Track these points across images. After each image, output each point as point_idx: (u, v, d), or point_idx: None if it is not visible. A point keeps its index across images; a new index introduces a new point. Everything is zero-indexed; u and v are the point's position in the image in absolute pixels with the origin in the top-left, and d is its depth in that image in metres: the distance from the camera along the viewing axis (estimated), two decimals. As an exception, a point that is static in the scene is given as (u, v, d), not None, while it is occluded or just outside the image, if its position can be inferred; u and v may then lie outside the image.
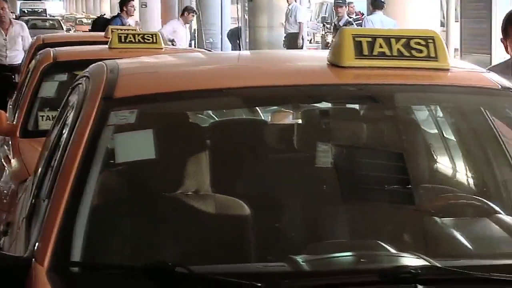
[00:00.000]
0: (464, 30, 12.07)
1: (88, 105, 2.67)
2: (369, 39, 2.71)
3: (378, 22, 11.97)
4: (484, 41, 11.56)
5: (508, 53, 4.05)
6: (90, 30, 13.92)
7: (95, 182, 2.46)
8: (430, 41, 2.72)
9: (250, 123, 3.33)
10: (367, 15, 12.97)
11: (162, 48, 6.07)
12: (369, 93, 2.80)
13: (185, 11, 14.42)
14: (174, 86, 2.79)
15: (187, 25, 14.62)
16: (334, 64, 2.74)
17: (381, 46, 2.71)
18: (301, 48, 16.46)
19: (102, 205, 2.51)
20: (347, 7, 14.45)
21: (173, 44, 13.54)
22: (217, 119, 3.63)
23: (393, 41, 2.71)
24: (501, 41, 4.26)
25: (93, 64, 3.12)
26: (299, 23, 17.13)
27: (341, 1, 13.89)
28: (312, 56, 3.52)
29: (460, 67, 2.96)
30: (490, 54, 11.57)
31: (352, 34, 2.72)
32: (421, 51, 2.71)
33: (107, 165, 2.56)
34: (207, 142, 3.07)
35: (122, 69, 2.94)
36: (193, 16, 14.57)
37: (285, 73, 2.90)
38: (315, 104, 2.96)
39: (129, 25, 12.59)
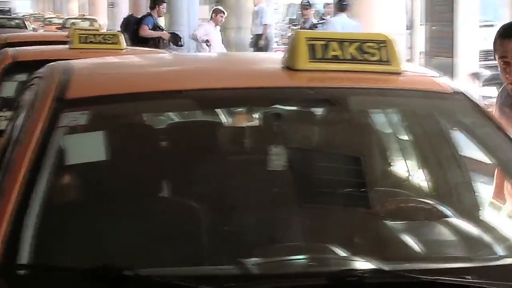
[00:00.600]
0: (429, 33, 12.18)
1: (40, 106, 2.65)
2: (323, 42, 2.72)
3: (340, 24, 12.00)
4: (447, 44, 11.67)
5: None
6: (120, 30, 13.95)
7: (45, 184, 2.44)
8: (383, 45, 2.74)
9: (206, 125, 3.33)
10: (331, 17, 13.01)
11: (123, 49, 6.05)
12: (323, 96, 2.80)
13: (214, 13, 14.43)
14: (127, 87, 2.78)
15: (218, 27, 14.57)
16: (289, 67, 2.75)
17: (334, 50, 2.72)
18: (265, 49, 16.47)
19: (51, 206, 2.49)
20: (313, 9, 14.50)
21: (207, 45, 13.63)
22: (178, 120, 3.63)
23: (346, 44, 2.73)
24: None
25: (47, 65, 3.10)
26: (264, 24, 17.14)
27: (307, 3, 13.89)
28: (268, 59, 3.52)
29: (412, 71, 2.98)
30: (454, 57, 11.68)
31: (306, 38, 2.73)
32: (373, 55, 2.72)
33: (57, 167, 2.54)
34: (161, 144, 3.07)
35: (76, 70, 2.92)
36: (222, 16, 14.50)
37: (240, 76, 2.90)
38: (269, 107, 2.96)
39: (159, 24, 12.94)
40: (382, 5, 12.35)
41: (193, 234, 2.59)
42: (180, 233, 2.61)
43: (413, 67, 3.11)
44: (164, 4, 13.69)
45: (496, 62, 3.59)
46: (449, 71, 11.64)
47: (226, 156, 2.97)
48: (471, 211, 2.86)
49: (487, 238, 2.62)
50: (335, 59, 2.71)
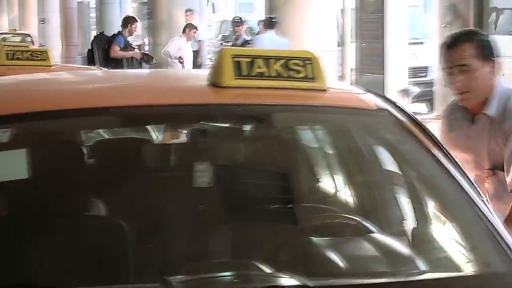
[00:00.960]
0: (359, 50, 12.33)
1: None
2: (248, 60, 2.72)
3: (268, 41, 12.08)
4: (378, 61, 11.83)
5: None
6: (90, 48, 13.70)
7: None
8: (308, 62, 2.75)
9: (133, 143, 3.31)
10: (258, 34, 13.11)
11: (51, 66, 5.98)
12: (249, 113, 2.81)
13: (187, 28, 14.25)
14: (52, 105, 2.74)
15: (189, 42, 14.41)
16: (214, 84, 2.74)
17: (260, 67, 2.72)
18: (200, 66, 16.48)
19: None
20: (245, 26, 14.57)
21: (180, 62, 13.47)
22: (106, 137, 3.60)
23: (272, 61, 2.74)
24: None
25: None
26: (199, 41, 17.15)
27: (238, 20, 13.95)
28: (195, 76, 3.52)
29: (337, 88, 3.00)
30: (384, 74, 11.85)
31: (232, 55, 2.73)
32: (299, 72, 2.73)
33: None
34: (87, 161, 3.04)
35: None
36: (195, 32, 14.35)
37: (166, 93, 2.89)
38: (196, 124, 2.95)
39: (131, 43, 12.72)
40: (313, 23, 12.45)
41: (118, 252, 2.57)
42: (105, 251, 2.59)
43: (338, 84, 3.15)
44: (136, 24, 13.53)
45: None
46: (380, 87, 11.81)
47: (152, 173, 2.95)
48: (395, 227, 2.89)
49: (410, 253, 2.66)
50: (261, 76, 2.72)
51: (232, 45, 14.21)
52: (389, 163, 2.94)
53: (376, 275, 2.50)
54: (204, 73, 2.96)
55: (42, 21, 27.65)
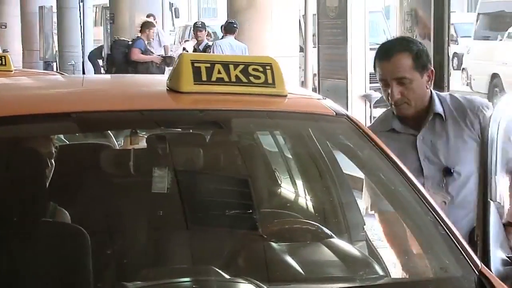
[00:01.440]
0: (322, 55, 12.35)
1: None
2: (208, 65, 2.72)
3: (228, 46, 12.09)
4: (340, 66, 11.86)
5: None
6: (109, 53, 13.64)
7: None
8: (268, 67, 2.75)
9: (93, 148, 3.29)
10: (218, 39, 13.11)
11: (12, 71, 5.93)
12: (207, 119, 2.81)
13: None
14: (10, 110, 2.72)
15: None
16: (173, 89, 2.74)
17: (219, 72, 2.72)
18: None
19: None
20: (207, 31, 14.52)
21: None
22: (67, 143, 3.57)
23: (231, 67, 2.73)
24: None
25: None
26: (164, 46, 17.09)
27: (200, 26, 13.91)
28: (155, 81, 3.51)
29: (297, 94, 3.01)
30: (346, 79, 11.88)
31: (191, 60, 2.72)
32: (259, 77, 2.73)
33: None
34: (47, 167, 3.01)
35: None
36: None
37: (126, 98, 2.87)
38: (155, 129, 2.95)
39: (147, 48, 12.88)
40: (275, 28, 12.48)
41: (77, 258, 2.55)
42: (64, 257, 2.57)
43: (298, 90, 3.15)
44: (154, 28, 13.55)
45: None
46: (342, 93, 11.85)
47: (111, 178, 2.94)
48: (354, 231, 2.91)
49: (368, 258, 2.67)
50: (220, 81, 2.71)
51: (194, 50, 14.19)
52: (348, 168, 2.96)
53: (335, 280, 2.51)
54: (163, 78, 2.95)
55: (4, 25, 27.37)
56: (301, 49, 14.24)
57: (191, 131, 3.03)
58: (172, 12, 26.70)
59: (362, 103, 11.93)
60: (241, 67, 2.74)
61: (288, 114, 2.83)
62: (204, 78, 2.70)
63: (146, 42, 13.43)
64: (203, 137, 3.00)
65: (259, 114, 2.82)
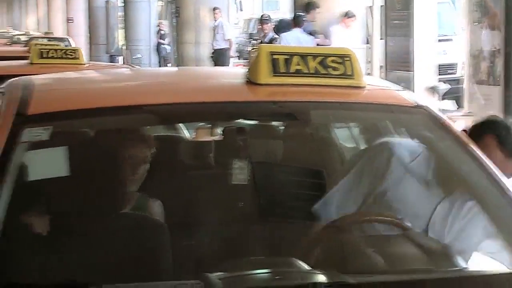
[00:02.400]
0: (388, 47, 12.26)
1: (1, 122, 2.63)
2: (286, 57, 2.72)
3: (294, 39, 12.04)
4: (407, 58, 11.76)
5: None
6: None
7: (7, 199, 2.42)
8: (347, 59, 2.74)
9: (170, 140, 3.32)
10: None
11: (84, 64, 6.02)
12: (286, 110, 2.81)
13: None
14: (88, 102, 2.76)
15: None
16: (252, 81, 2.74)
17: (298, 64, 2.72)
18: (228, 64, 16.51)
19: (14, 223, 2.47)
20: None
21: None
22: None
23: (309, 58, 2.73)
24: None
25: (9, 80, 3.07)
26: (228, 39, 17.16)
27: (266, 18, 13.89)
28: (232, 73, 3.52)
29: (375, 85, 2.99)
30: (413, 71, 11.78)
31: (270, 52, 2.73)
32: (337, 69, 2.73)
33: (20, 183, 2.52)
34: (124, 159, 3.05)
35: (37, 85, 2.90)
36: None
37: (203, 90, 2.89)
38: (233, 121, 2.96)
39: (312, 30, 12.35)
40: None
41: (157, 249, 2.58)
42: (144, 248, 2.60)
43: (376, 81, 3.12)
44: (317, 10, 12.72)
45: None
46: (408, 84, 11.75)
47: (191, 170, 2.96)
48: (432, 224, 2.88)
49: (448, 250, 2.65)
50: (298, 73, 2.71)
51: (260, 43, 14.21)
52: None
53: (416, 272, 2.49)
54: (239, 70, 2.96)
55: (71, 20, 27.75)
56: (367, 41, 14.16)
57: (269, 123, 3.03)
58: (236, 5, 26.78)
59: (430, 95, 11.81)
60: (319, 58, 2.74)
61: (367, 106, 2.81)
62: (282, 69, 2.71)
63: (310, 23, 12.50)
64: (282, 129, 3.00)
65: (338, 105, 2.81)
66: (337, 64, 2.73)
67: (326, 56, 2.75)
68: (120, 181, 2.76)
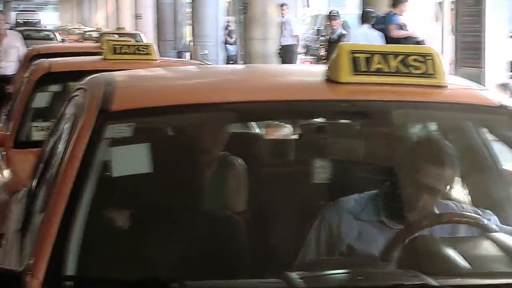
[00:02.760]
0: (459, 43, 12.12)
1: (85, 118, 2.65)
2: (367, 55, 2.70)
3: (362, 35, 11.97)
4: (477, 54, 11.61)
5: None
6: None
7: (91, 196, 2.44)
8: (429, 58, 2.71)
9: (247, 137, 3.32)
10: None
11: (156, 60, 6.06)
12: (366, 109, 2.79)
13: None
14: (172, 99, 2.77)
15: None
16: (332, 79, 2.73)
17: (378, 62, 2.69)
18: (294, 61, 16.48)
19: (97, 219, 2.50)
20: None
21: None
22: None
23: (390, 57, 2.70)
24: None
25: (90, 76, 3.10)
26: (295, 35, 17.15)
27: (335, 14, 13.83)
28: (310, 71, 3.50)
29: (458, 84, 2.95)
30: (483, 68, 11.62)
31: (350, 50, 2.71)
32: (419, 68, 2.69)
33: (103, 179, 2.55)
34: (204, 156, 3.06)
35: (119, 82, 2.92)
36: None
37: (284, 88, 2.89)
38: (312, 119, 2.95)
39: (402, 23, 12.20)
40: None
41: (238, 247, 2.58)
42: (224, 245, 2.61)
43: (459, 81, 3.07)
44: (406, 3, 12.59)
45: None
46: (478, 81, 11.59)
47: (269, 168, 2.96)
48: None
49: None
50: (379, 72, 2.69)
51: (328, 39, 14.17)
52: (510, 161, 2.88)
53: (503, 275, 2.45)
54: (318, 68, 2.95)
55: (139, 16, 28.03)
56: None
57: (350, 121, 3.01)
58: (303, 2, 26.71)
59: (501, 92, 11.64)
60: (400, 57, 2.71)
61: (450, 106, 2.77)
62: (363, 68, 2.69)
63: (399, 17, 12.40)
64: (361, 128, 2.98)
65: (420, 105, 2.77)
66: (419, 63, 2.70)
67: (408, 55, 2.72)
68: (202, 178, 2.77)
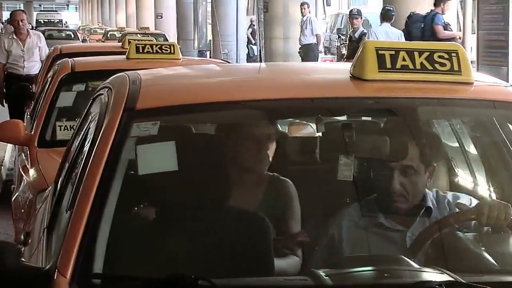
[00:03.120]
0: (481, 42, 12.05)
1: (110, 117, 2.66)
2: (392, 52, 2.70)
3: (383, 33, 11.93)
4: (501, 53, 11.54)
5: None
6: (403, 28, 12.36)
7: (117, 194, 2.45)
8: (454, 54, 2.70)
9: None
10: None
11: (180, 59, 6.08)
12: (392, 107, 2.78)
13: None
14: (197, 98, 2.78)
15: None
16: (357, 77, 2.73)
17: (404, 59, 2.69)
18: (316, 59, 16.46)
19: (124, 217, 2.51)
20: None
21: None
22: None
23: (416, 54, 2.70)
24: None
25: (115, 75, 3.12)
26: (316, 34, 17.14)
27: (356, 13, 13.80)
28: (335, 69, 3.50)
29: (484, 81, 2.94)
30: (507, 67, 11.55)
31: (375, 47, 2.70)
32: (444, 65, 2.69)
33: (129, 177, 2.56)
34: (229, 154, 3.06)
35: (144, 80, 2.93)
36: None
37: (310, 86, 2.89)
38: (340, 117, 2.95)
39: (445, 22, 12.01)
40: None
41: (264, 245, 2.58)
42: (251, 244, 2.61)
43: (485, 77, 3.06)
44: (449, 2, 12.45)
45: None
46: (502, 80, 11.52)
47: (295, 166, 2.96)
48: None
49: None
50: (405, 68, 2.69)
51: (349, 38, 14.14)
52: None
53: None
54: (343, 66, 2.94)
55: (160, 16, 28.09)
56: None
57: (376, 119, 3.01)
58: (323, 1, 26.69)
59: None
60: (426, 54, 2.70)
61: (476, 102, 2.76)
62: (388, 65, 2.68)
63: (441, 15, 12.23)
64: (387, 125, 2.97)
65: (446, 102, 2.77)
66: (444, 59, 2.70)
67: (433, 51, 2.71)
68: (228, 176, 2.77)
